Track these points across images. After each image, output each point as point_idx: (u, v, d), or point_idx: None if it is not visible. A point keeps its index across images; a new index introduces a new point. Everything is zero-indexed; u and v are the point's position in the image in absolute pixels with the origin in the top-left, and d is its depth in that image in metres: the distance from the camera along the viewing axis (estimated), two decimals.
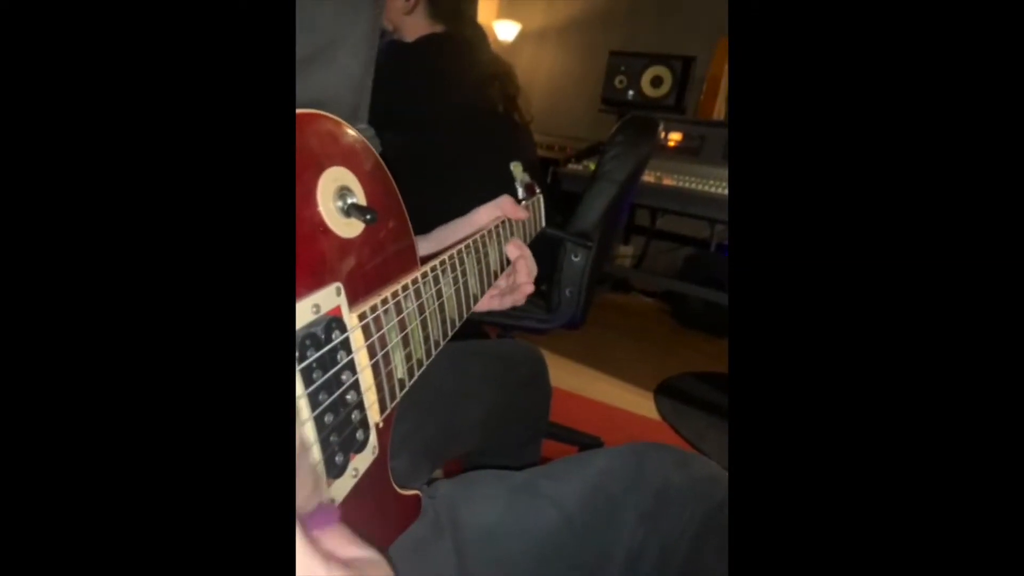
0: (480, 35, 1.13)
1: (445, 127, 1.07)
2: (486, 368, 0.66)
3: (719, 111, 2.52)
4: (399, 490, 0.37)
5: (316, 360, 0.24)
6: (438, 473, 0.72)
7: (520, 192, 0.60)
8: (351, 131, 0.28)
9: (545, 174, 1.90)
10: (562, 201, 1.66)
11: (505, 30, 2.98)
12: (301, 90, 0.25)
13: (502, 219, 0.50)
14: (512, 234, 0.54)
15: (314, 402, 0.24)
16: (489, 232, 0.47)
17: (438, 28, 1.07)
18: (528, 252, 0.55)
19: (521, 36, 3.03)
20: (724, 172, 1.76)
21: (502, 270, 0.53)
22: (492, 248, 0.49)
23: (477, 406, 0.69)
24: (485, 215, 0.52)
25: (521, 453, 0.89)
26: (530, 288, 0.57)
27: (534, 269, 0.56)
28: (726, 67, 2.48)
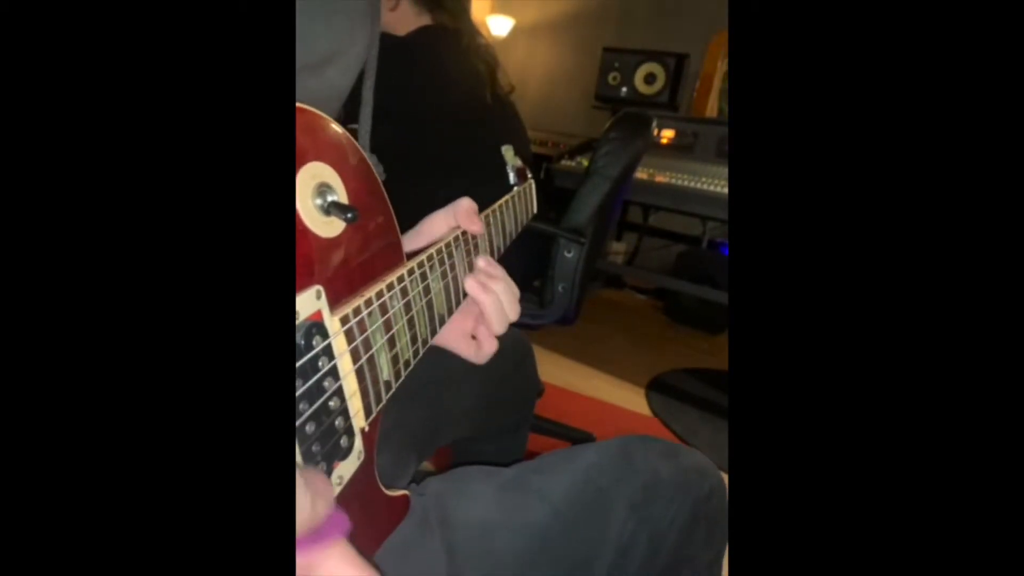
0: (466, 19, 1.11)
1: (437, 119, 1.06)
2: None
3: (712, 108, 2.52)
4: (386, 491, 0.36)
5: (296, 369, 0.23)
6: (426, 465, 0.71)
7: (511, 177, 0.58)
8: (332, 124, 0.27)
9: (538, 170, 1.89)
10: (555, 197, 1.65)
11: (499, 25, 2.96)
12: None
13: (460, 230, 0.42)
14: (480, 244, 0.45)
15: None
16: (455, 240, 0.41)
17: (425, 19, 1.06)
18: (502, 289, 0.43)
19: (515, 31, 3.01)
20: (717, 169, 1.76)
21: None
22: (460, 262, 0.42)
23: (463, 395, 0.68)
24: (440, 225, 0.43)
25: (510, 439, 0.88)
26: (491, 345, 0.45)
27: (508, 310, 0.43)
28: (719, 64, 2.49)
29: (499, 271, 0.45)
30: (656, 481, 0.49)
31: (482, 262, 0.44)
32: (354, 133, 0.60)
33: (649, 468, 0.50)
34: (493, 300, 0.42)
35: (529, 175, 0.61)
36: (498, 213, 0.50)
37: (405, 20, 1.05)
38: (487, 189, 0.61)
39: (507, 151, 0.58)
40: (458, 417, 0.69)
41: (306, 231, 0.25)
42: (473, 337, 0.46)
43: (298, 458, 0.24)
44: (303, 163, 0.24)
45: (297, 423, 0.24)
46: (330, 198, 0.25)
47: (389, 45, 1.03)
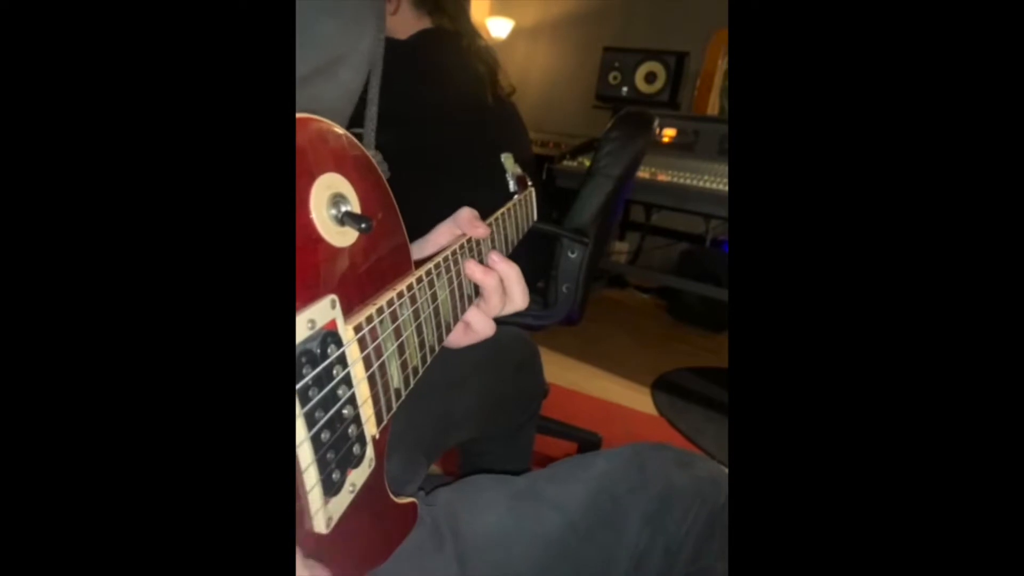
0: (466, 21, 1.11)
1: (440, 122, 1.06)
2: (476, 356, 0.64)
3: (713, 106, 2.52)
4: (395, 499, 0.36)
5: (312, 378, 0.23)
6: (433, 468, 0.71)
7: (511, 185, 0.59)
8: (344, 134, 0.27)
9: (540, 171, 1.89)
10: (557, 197, 1.65)
11: (498, 27, 2.96)
12: (300, 101, 0.24)
13: (464, 237, 0.43)
14: (484, 250, 0.47)
15: (310, 421, 0.24)
16: (461, 247, 0.42)
17: (425, 22, 1.06)
18: (506, 272, 0.44)
19: (515, 33, 3.02)
20: (719, 167, 1.76)
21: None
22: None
23: (470, 395, 0.68)
24: (444, 235, 0.44)
25: (517, 440, 0.89)
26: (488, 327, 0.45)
27: (516, 298, 0.45)
28: (719, 62, 2.48)
29: (508, 260, 0.45)
30: (671, 491, 0.48)
31: (493, 254, 0.45)
32: (359, 137, 0.60)
33: (663, 477, 0.49)
34: (494, 280, 0.43)
35: (529, 183, 0.62)
36: (500, 220, 0.50)
37: (405, 23, 1.06)
38: (489, 191, 0.61)
39: (507, 159, 0.58)
40: (465, 419, 0.70)
41: (321, 241, 0.25)
42: (467, 324, 0.45)
43: (313, 464, 0.24)
44: (319, 174, 0.24)
45: (312, 431, 0.24)
46: (344, 208, 0.25)
47: (390, 49, 1.04)
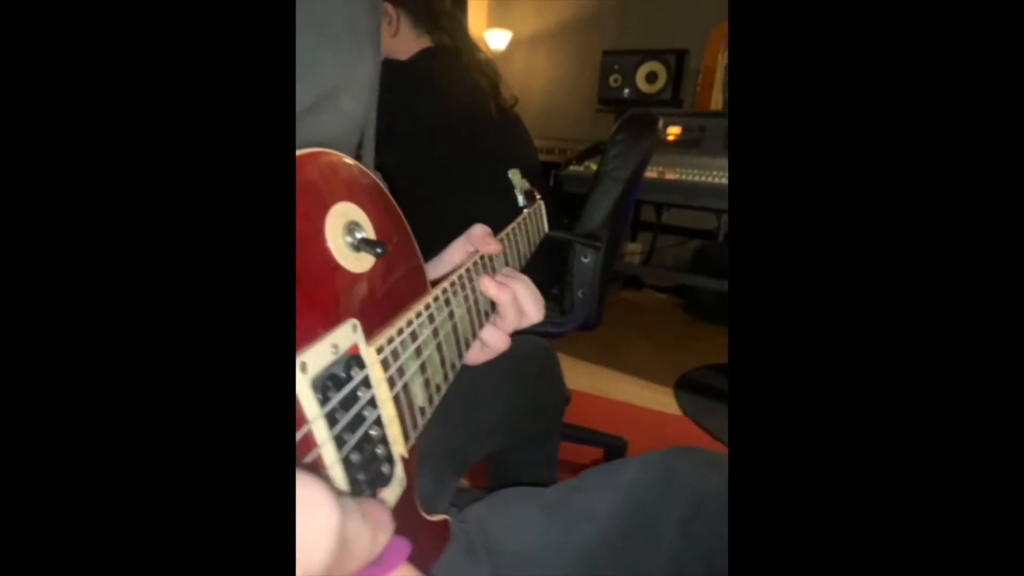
0: (465, 36, 1.13)
1: (445, 139, 1.08)
2: (499, 367, 0.65)
3: (716, 101, 2.51)
4: (427, 516, 0.36)
5: (339, 401, 0.24)
6: (463, 482, 0.72)
7: (520, 199, 0.60)
8: (353, 163, 0.28)
9: (547, 177, 1.90)
10: (567, 203, 1.66)
11: (497, 39, 2.99)
12: (304, 134, 0.25)
13: (478, 254, 0.44)
14: (497, 266, 0.47)
15: (340, 443, 0.24)
16: (475, 264, 0.42)
17: (425, 41, 1.08)
18: (519, 288, 0.45)
19: (513, 44, 3.04)
20: (726, 162, 1.75)
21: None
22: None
23: (495, 407, 0.69)
24: (458, 252, 0.46)
25: (541, 448, 0.89)
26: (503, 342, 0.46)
27: (531, 312, 0.46)
28: (720, 57, 2.48)
29: (518, 274, 0.46)
30: (702, 495, 0.47)
31: (504, 270, 0.46)
32: (358, 159, 0.61)
33: (695, 482, 0.48)
34: (509, 296, 0.44)
35: (538, 196, 0.62)
36: (512, 236, 0.51)
37: (406, 44, 1.08)
38: (496, 203, 0.62)
39: (514, 175, 0.59)
40: (489, 431, 0.70)
41: (339, 268, 0.25)
42: (482, 341, 0.46)
43: (345, 486, 0.25)
44: (331, 204, 0.25)
45: (343, 453, 0.25)
46: (359, 235, 0.26)
47: (393, 70, 1.06)
